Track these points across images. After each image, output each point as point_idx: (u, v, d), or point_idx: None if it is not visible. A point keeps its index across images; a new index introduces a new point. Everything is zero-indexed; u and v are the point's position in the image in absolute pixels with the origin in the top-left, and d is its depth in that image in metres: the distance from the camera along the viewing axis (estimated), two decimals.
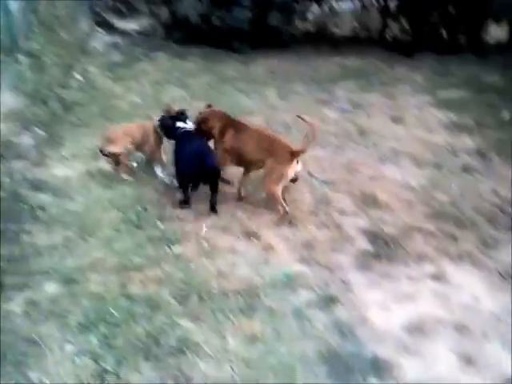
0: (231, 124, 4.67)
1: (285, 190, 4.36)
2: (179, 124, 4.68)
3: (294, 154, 4.22)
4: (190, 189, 4.39)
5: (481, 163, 5.46)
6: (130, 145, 4.85)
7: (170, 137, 4.79)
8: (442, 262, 3.78)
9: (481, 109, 6.94)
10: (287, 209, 4.25)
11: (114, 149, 4.74)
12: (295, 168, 4.31)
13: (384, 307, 3.30)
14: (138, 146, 4.95)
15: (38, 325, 3.00)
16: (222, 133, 4.62)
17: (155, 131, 4.87)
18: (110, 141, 4.76)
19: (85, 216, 4.13)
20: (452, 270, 3.71)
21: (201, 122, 4.67)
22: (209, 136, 4.66)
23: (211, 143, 4.68)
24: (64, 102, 6.34)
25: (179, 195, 4.45)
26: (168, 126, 4.72)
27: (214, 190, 4.30)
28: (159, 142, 4.94)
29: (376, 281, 3.53)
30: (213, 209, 4.29)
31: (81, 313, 3.06)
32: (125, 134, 4.85)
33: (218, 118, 4.72)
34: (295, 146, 4.24)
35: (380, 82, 8.38)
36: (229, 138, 4.57)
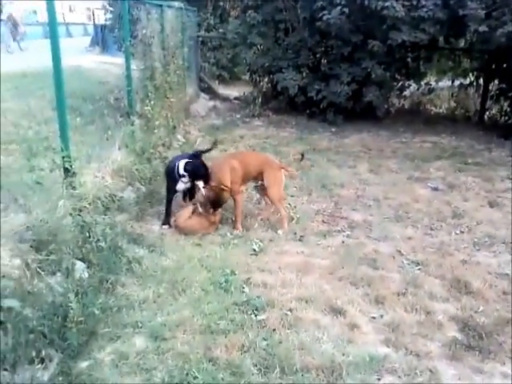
0: (230, 161, 5.48)
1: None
2: None
3: (282, 167, 5.66)
4: None
5: None
6: None
7: None
8: None
9: None
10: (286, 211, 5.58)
11: None
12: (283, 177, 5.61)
13: None
14: None
15: (124, 377, 3.11)
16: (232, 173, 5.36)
17: None
18: None
19: (176, 273, 4.29)
20: None
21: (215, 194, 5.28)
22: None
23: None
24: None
25: None
26: None
27: None
28: None
29: (467, 375, 3.31)
30: None
31: (166, 370, 3.14)
32: None
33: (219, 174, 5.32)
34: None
35: (476, 164, 8.19)
36: (235, 169, 5.37)
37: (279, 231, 5.40)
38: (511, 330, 3.81)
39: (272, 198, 5.53)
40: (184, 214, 5.34)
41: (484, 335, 3.69)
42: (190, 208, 5.41)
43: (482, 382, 3.27)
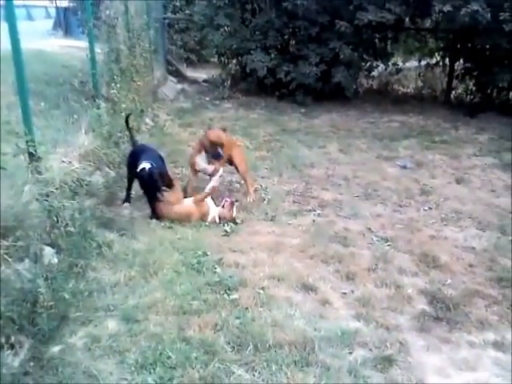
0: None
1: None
2: None
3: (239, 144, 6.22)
4: None
5: None
6: None
7: None
8: (504, 330, 3.62)
9: None
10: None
11: None
12: None
13: (442, 373, 3.17)
14: None
15: (97, 360, 3.08)
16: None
17: None
18: None
19: (147, 256, 4.25)
20: None
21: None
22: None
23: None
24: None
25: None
26: None
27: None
28: None
29: (435, 345, 3.41)
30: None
31: (139, 352, 3.12)
32: None
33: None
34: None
35: (443, 142, 8.36)
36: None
37: (248, 198, 5.66)
38: (477, 300, 3.93)
39: (243, 173, 5.86)
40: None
41: (451, 307, 3.80)
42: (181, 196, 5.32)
43: (450, 351, 3.37)
